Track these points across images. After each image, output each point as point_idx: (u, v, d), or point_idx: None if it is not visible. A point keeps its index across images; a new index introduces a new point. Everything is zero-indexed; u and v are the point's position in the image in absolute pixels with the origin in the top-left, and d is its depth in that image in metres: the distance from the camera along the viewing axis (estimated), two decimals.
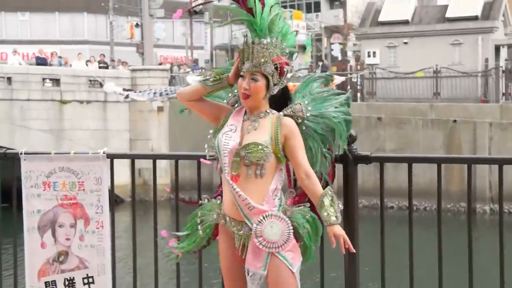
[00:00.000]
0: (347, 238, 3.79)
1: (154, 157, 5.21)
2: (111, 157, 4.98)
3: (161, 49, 47.91)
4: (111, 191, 5.04)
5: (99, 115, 27.87)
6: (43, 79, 27.10)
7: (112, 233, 4.99)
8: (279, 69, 3.91)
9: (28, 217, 4.99)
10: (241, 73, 3.94)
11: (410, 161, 4.49)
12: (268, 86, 3.92)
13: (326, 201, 3.82)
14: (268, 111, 3.96)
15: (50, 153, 5.00)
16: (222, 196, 4.10)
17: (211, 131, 4.19)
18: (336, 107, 4.04)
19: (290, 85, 4.12)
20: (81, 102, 27.52)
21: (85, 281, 4.95)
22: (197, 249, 4.30)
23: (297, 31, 4.31)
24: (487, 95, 28.17)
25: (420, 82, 28.75)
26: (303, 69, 30.21)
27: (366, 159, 4.40)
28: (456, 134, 24.57)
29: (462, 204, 22.74)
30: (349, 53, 40.41)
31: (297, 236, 3.93)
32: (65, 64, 33.33)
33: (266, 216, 3.86)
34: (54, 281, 4.96)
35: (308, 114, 3.97)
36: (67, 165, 4.92)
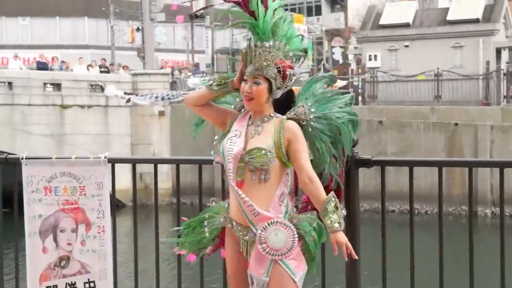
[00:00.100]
0: (349, 245, 3.76)
1: (155, 162, 5.20)
2: (112, 161, 4.98)
3: (162, 53, 47.92)
4: (112, 195, 5.04)
5: (100, 119, 27.86)
6: (44, 83, 27.08)
7: (113, 238, 4.99)
8: (282, 72, 3.88)
9: (30, 222, 4.98)
10: (244, 77, 3.93)
11: (411, 164, 4.49)
12: (271, 90, 3.89)
13: (330, 208, 3.76)
14: (272, 115, 3.93)
15: (51, 158, 5.00)
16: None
17: (216, 137, 4.16)
18: (340, 107, 4.00)
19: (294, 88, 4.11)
20: (82, 106, 27.51)
21: (87, 285, 4.95)
22: (204, 249, 4.26)
23: (302, 35, 4.28)
24: (489, 98, 28.17)
25: (421, 85, 28.76)
26: (304, 73, 30.21)
27: (367, 163, 4.39)
28: (458, 137, 24.54)
29: (464, 208, 22.73)
30: (350, 57, 40.42)
31: (303, 244, 3.91)
32: (66, 69, 33.34)
33: (271, 223, 3.83)
34: (56, 285, 4.96)
35: (311, 116, 3.92)
36: (68, 169, 4.92)
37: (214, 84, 4.05)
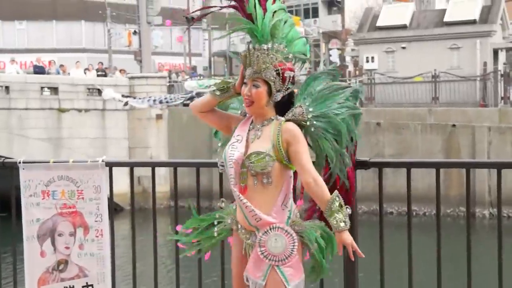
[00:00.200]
0: (355, 245, 3.75)
1: (153, 165, 5.20)
2: (110, 165, 4.98)
3: (159, 56, 47.93)
4: (110, 199, 5.04)
5: (98, 123, 27.85)
6: (41, 87, 27.08)
7: (111, 241, 4.99)
8: (281, 74, 3.85)
9: (27, 226, 4.98)
10: (244, 80, 3.92)
11: (408, 166, 4.49)
12: (271, 93, 3.87)
13: (334, 207, 3.72)
14: (272, 118, 3.90)
15: (48, 162, 5.00)
16: None
17: (219, 144, 4.15)
18: (340, 103, 3.94)
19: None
20: (79, 110, 27.49)
21: None
22: (209, 248, 4.25)
23: (306, 37, 4.25)
24: (486, 99, 28.18)
25: (418, 86, 28.76)
26: (302, 75, 30.21)
27: (365, 165, 4.37)
28: (455, 138, 24.56)
29: (462, 209, 22.73)
30: (348, 58, 40.41)
31: (307, 251, 3.91)
32: (63, 73, 33.32)
33: (273, 228, 3.83)
34: None
35: (309, 116, 3.87)
36: (66, 173, 4.92)
37: (217, 89, 4.04)
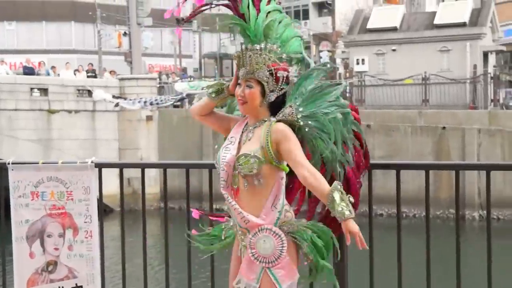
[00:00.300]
0: (361, 235, 3.64)
1: (143, 166, 5.19)
2: (99, 166, 4.97)
3: (150, 57, 47.90)
4: (100, 200, 5.03)
5: (88, 124, 27.78)
6: (31, 88, 27.00)
7: (101, 242, 4.98)
8: (274, 74, 3.82)
9: (17, 227, 4.97)
10: (238, 81, 3.90)
11: (398, 167, 4.49)
12: (264, 93, 3.84)
13: (337, 196, 3.60)
14: (265, 119, 3.87)
15: (37, 163, 4.98)
16: None
17: (216, 146, 4.14)
18: (330, 101, 3.88)
19: None
20: (69, 111, 27.42)
21: None
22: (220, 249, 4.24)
23: (301, 37, 4.19)
24: (476, 101, 28.26)
25: (408, 89, 28.81)
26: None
27: None
28: (445, 140, 24.61)
29: (451, 211, 22.77)
30: (338, 61, 40.46)
31: (301, 252, 3.87)
32: (54, 74, 33.23)
33: (261, 229, 3.80)
34: None
35: (299, 116, 3.81)
36: (55, 174, 4.91)
37: (213, 92, 4.03)
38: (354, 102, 29.46)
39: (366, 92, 29.87)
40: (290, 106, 3.85)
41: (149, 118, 28.37)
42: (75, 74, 33.15)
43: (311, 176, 3.68)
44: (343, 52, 37.10)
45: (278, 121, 3.83)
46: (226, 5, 4.02)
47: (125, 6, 37.89)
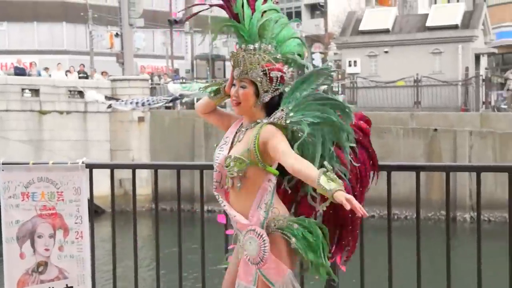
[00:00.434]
0: (355, 201, 3.40)
1: (134, 167, 5.17)
2: (90, 167, 4.96)
3: (142, 58, 47.83)
4: (90, 201, 5.01)
5: (79, 125, 27.73)
6: (22, 89, 26.95)
7: (91, 243, 4.97)
8: (268, 75, 3.79)
9: (7, 227, 4.95)
10: (233, 81, 3.88)
11: (388, 169, 4.50)
12: (258, 93, 3.80)
13: (323, 180, 3.41)
14: (259, 121, 3.83)
15: (28, 163, 4.97)
16: None
17: (214, 145, 4.13)
18: (321, 112, 3.77)
19: None
20: (60, 112, 27.37)
21: None
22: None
23: (299, 38, 4.11)
24: (467, 103, 28.33)
25: (400, 91, 28.85)
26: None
27: None
28: (437, 142, 24.66)
29: (443, 212, 22.81)
30: (330, 63, 40.48)
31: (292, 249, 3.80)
32: (47, 75, 33.16)
33: (249, 231, 3.79)
34: None
35: (288, 121, 3.75)
36: (45, 175, 4.89)
37: (211, 91, 4.03)
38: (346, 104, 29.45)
39: (358, 94, 29.91)
40: (282, 110, 3.80)
41: (140, 119, 28.34)
42: (66, 75, 33.08)
43: (297, 163, 3.57)
44: (335, 54, 37.10)
45: (269, 123, 3.78)
46: (220, 6, 3.99)
47: (117, 7, 37.86)
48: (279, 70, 3.83)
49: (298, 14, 61.16)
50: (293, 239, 3.76)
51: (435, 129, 24.69)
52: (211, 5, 4.07)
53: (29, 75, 32.26)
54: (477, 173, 4.31)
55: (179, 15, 42.68)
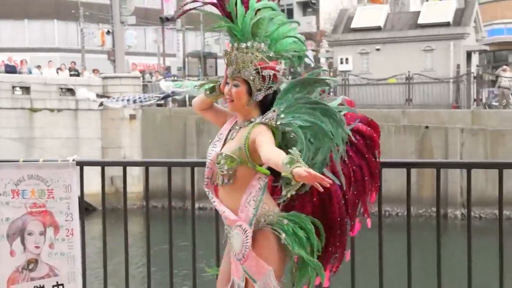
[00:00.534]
0: (315, 173, 3.28)
1: (124, 164, 5.17)
2: (81, 164, 4.96)
3: (133, 56, 47.78)
4: (81, 198, 5.00)
5: (70, 123, 27.69)
6: (13, 87, 26.90)
7: (82, 241, 4.96)
8: (260, 73, 3.78)
9: None
10: (227, 79, 3.88)
11: (379, 166, 4.49)
12: (251, 92, 3.79)
13: (287, 160, 3.34)
14: (252, 120, 3.82)
15: (18, 161, 4.96)
16: None
17: (210, 141, 4.11)
18: (311, 115, 3.73)
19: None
20: (51, 110, 27.32)
21: None
22: None
23: (295, 36, 4.06)
24: (459, 101, 28.37)
25: (392, 88, 28.89)
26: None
27: None
28: (428, 140, 24.71)
29: (434, 209, 22.78)
30: (322, 60, 40.48)
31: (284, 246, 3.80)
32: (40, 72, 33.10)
33: (236, 226, 3.79)
34: None
35: (278, 123, 3.72)
36: (36, 172, 4.88)
37: (207, 88, 4.02)
38: None
39: (350, 92, 29.90)
40: (274, 111, 3.78)
41: (132, 117, 28.31)
42: (57, 73, 33.02)
43: (270, 151, 3.55)
44: (327, 51, 37.15)
45: (261, 123, 3.76)
46: (213, 4, 3.96)
47: (108, 4, 37.82)
48: (272, 68, 3.82)
49: (290, 12, 61.12)
50: (283, 235, 3.75)
51: (427, 126, 24.74)
52: (204, 3, 4.04)
53: (20, 72, 32.18)
54: (468, 169, 4.32)
55: (171, 12, 42.62)
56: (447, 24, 30.49)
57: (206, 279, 4.20)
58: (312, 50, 49.09)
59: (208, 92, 4.03)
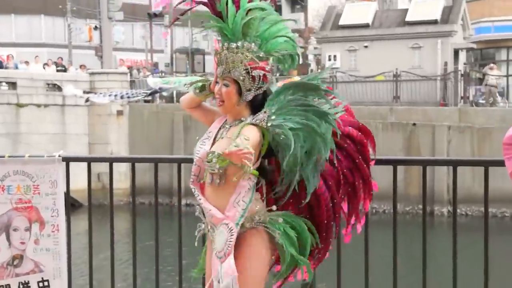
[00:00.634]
0: (236, 150, 3.37)
1: (111, 160, 5.15)
2: (67, 160, 4.93)
3: (121, 52, 47.65)
4: (67, 194, 4.99)
5: (57, 119, 27.61)
6: None
7: (68, 237, 4.95)
8: (250, 74, 3.76)
9: None
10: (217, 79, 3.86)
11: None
12: (241, 92, 3.77)
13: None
14: (243, 119, 3.80)
15: (4, 157, 4.93)
16: None
17: (197, 138, 4.09)
18: (301, 116, 3.69)
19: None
20: (38, 105, 27.23)
21: (41, 284, 4.90)
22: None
23: (286, 35, 4.03)
24: (446, 98, 28.48)
25: (380, 85, 28.95)
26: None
27: None
28: (415, 137, 24.79)
29: (421, 207, 22.83)
30: (310, 57, 40.55)
31: (276, 246, 3.80)
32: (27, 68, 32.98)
33: (221, 224, 3.75)
34: (9, 285, 4.90)
35: (269, 124, 3.69)
36: (21, 168, 4.86)
37: (197, 87, 3.99)
38: None
39: (337, 89, 29.94)
40: (265, 112, 3.75)
41: (119, 112, 28.26)
42: (44, 68, 32.91)
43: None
44: (315, 48, 37.14)
45: (251, 124, 3.74)
46: (203, 3, 3.93)
47: (96, 0, 37.67)
48: (262, 68, 3.79)
49: (278, 8, 61.11)
50: (277, 233, 3.77)
51: (414, 124, 24.82)
52: (195, 2, 4.01)
53: (6, 67, 32.05)
54: (454, 167, 4.33)
55: (158, 9, 42.55)
56: (434, 22, 30.57)
57: (192, 276, 4.18)
58: (301, 47, 49.10)
59: (198, 91, 4.00)
